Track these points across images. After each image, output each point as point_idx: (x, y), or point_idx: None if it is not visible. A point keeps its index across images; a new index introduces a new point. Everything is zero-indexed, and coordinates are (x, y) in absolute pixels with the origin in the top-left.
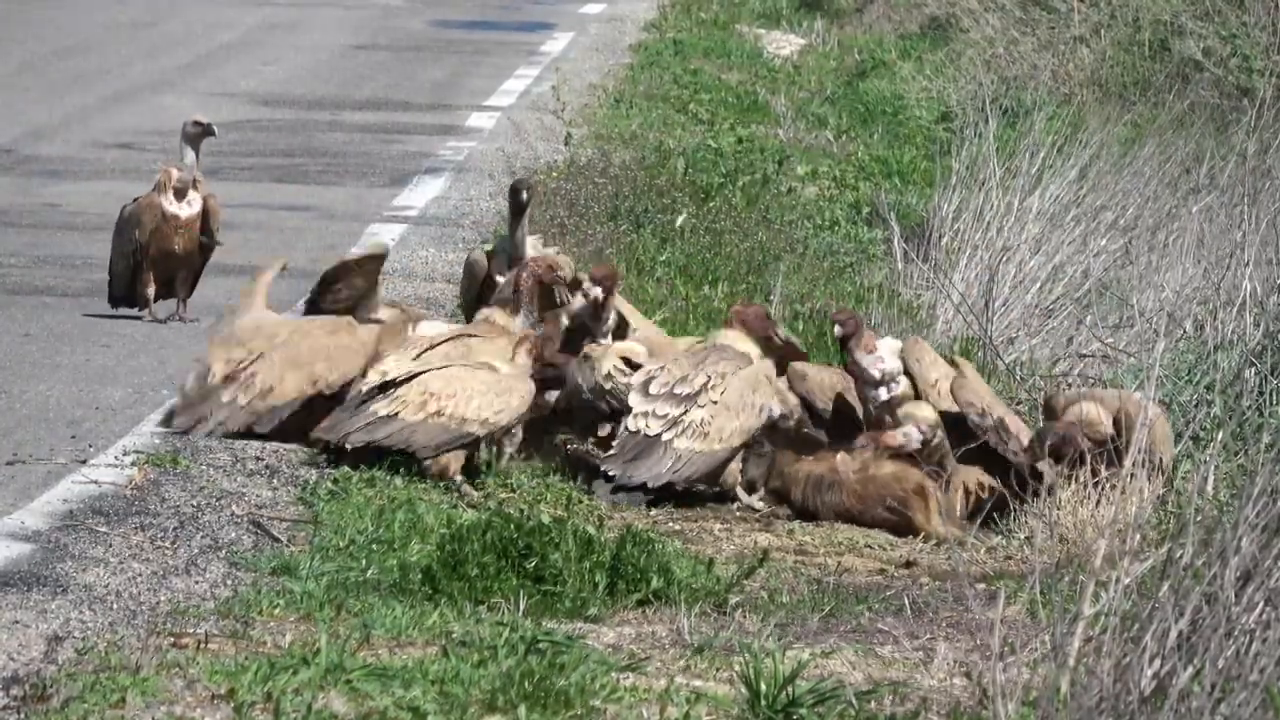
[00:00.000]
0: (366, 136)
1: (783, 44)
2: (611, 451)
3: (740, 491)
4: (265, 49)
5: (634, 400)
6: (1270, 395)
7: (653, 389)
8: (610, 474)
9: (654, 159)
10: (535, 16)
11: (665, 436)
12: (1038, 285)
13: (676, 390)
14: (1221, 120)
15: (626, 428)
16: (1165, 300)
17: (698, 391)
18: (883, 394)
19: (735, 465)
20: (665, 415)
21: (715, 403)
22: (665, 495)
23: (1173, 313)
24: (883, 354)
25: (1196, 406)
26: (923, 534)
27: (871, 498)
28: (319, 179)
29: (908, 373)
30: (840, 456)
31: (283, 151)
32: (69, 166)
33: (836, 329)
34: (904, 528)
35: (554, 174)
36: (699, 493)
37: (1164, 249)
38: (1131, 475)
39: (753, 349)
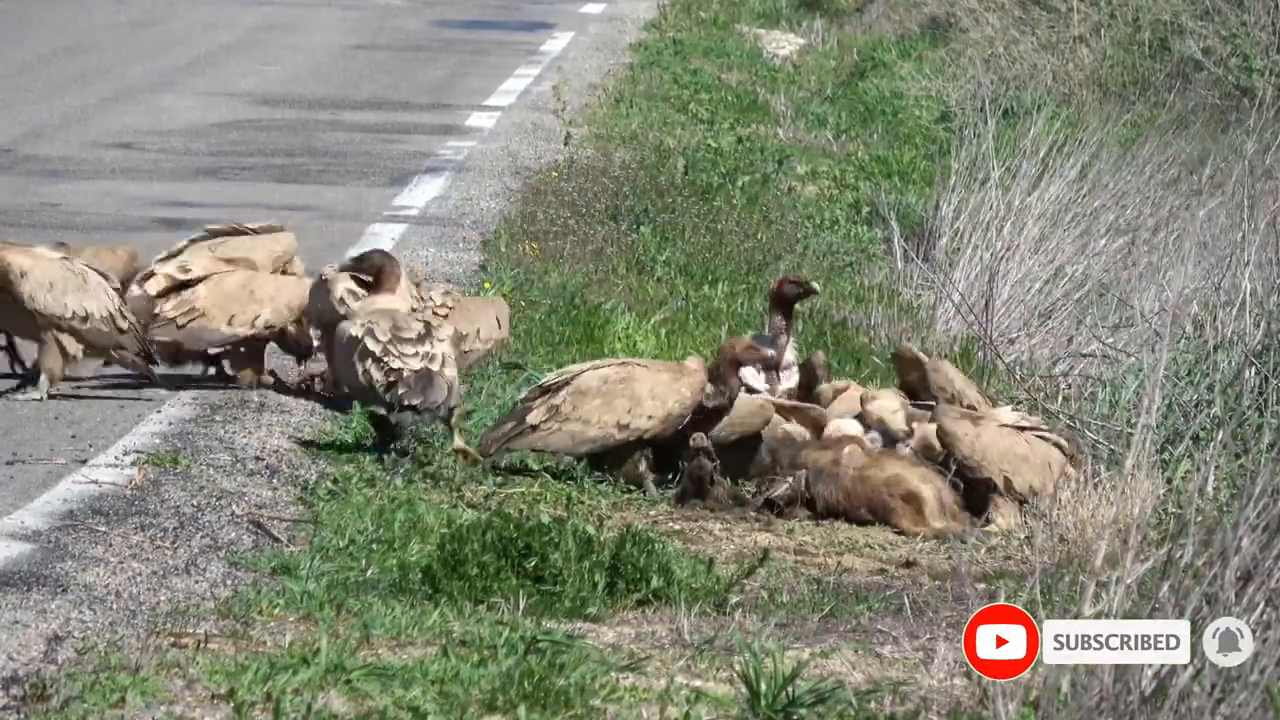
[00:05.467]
0: (367, 136)
1: (782, 44)
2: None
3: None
4: (265, 49)
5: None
6: (1270, 395)
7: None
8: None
9: (654, 159)
10: (535, 16)
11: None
12: (1038, 286)
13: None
14: (1222, 120)
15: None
16: (1165, 300)
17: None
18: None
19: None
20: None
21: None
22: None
23: (1173, 313)
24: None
25: (1196, 406)
26: (920, 534)
27: (858, 498)
28: (319, 179)
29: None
30: (849, 449)
31: (283, 151)
32: (69, 166)
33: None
34: (893, 529)
35: (554, 174)
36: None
37: (1164, 249)
38: (1132, 474)
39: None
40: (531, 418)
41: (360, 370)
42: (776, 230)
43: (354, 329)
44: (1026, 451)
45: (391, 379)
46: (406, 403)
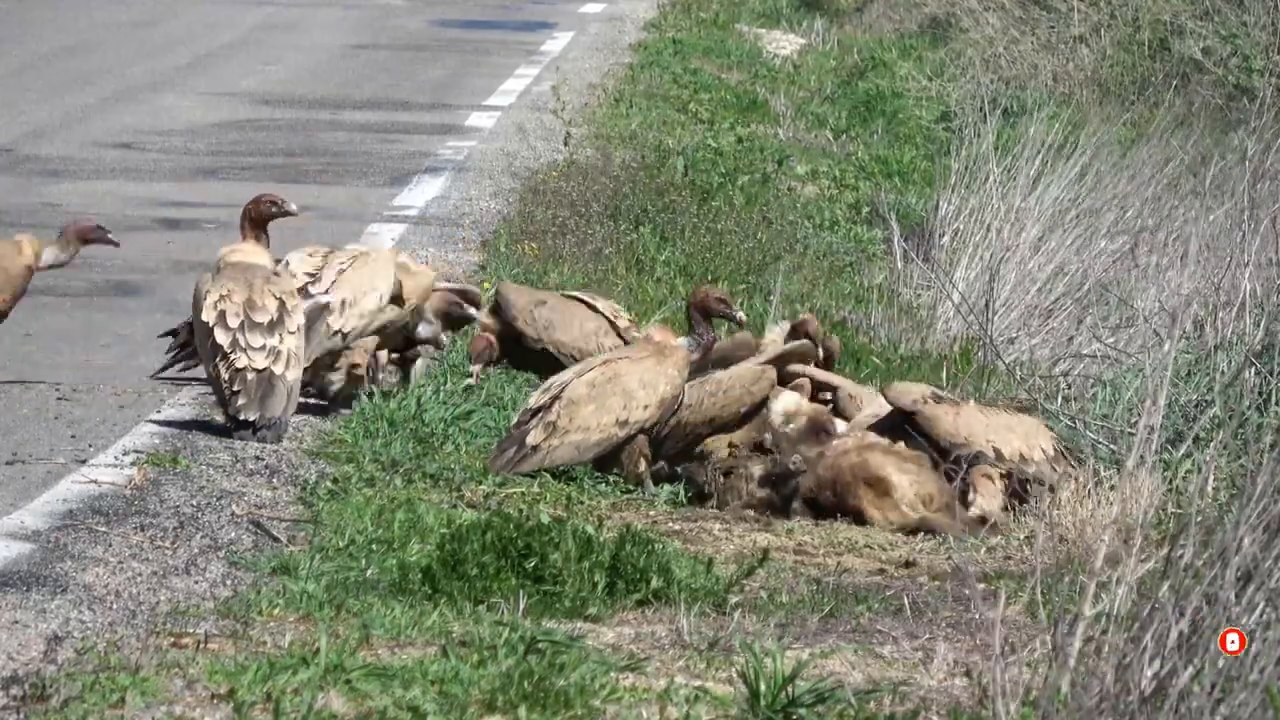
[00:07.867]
0: (367, 136)
1: (782, 43)
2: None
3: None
4: (265, 49)
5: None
6: (1270, 395)
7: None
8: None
9: (654, 159)
10: (535, 16)
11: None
12: (1037, 286)
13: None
14: (1222, 120)
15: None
16: (1165, 301)
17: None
18: None
19: None
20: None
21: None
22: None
23: (1174, 313)
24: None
25: (1197, 407)
26: (891, 523)
27: (824, 483)
28: (319, 178)
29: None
30: (837, 441)
31: (283, 151)
32: (69, 166)
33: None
34: (856, 519)
35: (554, 174)
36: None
37: (1164, 249)
38: (1132, 474)
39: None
40: (531, 439)
41: (210, 364)
42: (776, 230)
43: (206, 308)
44: (1010, 421)
45: (236, 386)
46: (242, 417)
